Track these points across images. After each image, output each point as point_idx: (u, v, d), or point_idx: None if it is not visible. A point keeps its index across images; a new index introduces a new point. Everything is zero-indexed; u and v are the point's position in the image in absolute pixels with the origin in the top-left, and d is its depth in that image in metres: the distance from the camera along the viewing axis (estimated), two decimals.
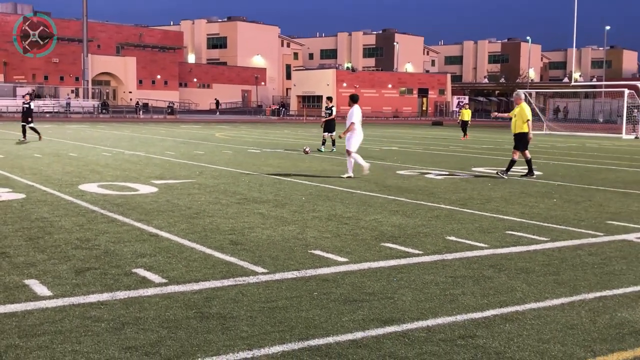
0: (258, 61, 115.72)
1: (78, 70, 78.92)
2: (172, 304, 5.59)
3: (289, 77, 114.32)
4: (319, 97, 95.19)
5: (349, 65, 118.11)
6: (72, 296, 5.74)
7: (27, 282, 6.13)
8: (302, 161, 19.82)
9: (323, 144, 24.60)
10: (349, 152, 15.35)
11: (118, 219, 9.42)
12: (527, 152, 16.16)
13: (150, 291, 5.94)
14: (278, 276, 6.53)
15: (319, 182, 14.24)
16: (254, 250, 7.60)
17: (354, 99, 15.50)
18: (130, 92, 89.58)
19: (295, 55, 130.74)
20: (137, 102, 76.48)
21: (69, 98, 73.02)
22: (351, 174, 15.33)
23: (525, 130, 15.90)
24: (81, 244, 7.80)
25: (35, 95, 70.20)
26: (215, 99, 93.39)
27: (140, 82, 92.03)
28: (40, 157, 19.29)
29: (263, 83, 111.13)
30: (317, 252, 7.59)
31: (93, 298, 5.70)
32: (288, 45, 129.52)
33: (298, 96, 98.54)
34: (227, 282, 6.26)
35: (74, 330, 4.90)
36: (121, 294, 5.82)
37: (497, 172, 16.29)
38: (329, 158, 21.19)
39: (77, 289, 5.96)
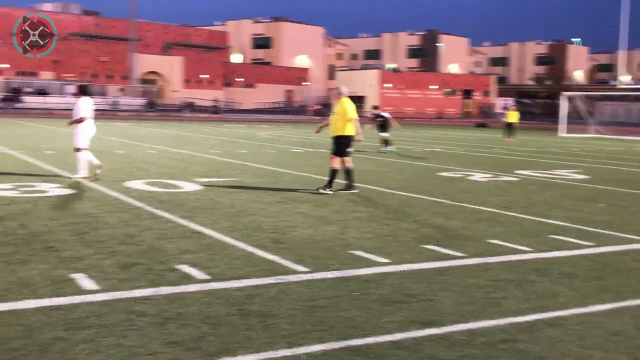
0: (302, 61, 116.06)
1: (126, 69, 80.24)
2: (214, 300, 5.67)
3: (332, 77, 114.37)
4: (362, 98, 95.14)
5: (393, 65, 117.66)
6: (117, 291, 5.86)
7: (73, 276, 6.28)
8: None
9: (386, 144, 24.97)
10: (78, 150, 13.76)
11: (163, 216, 9.57)
12: (348, 159, 12.87)
13: (193, 287, 6.03)
14: (318, 275, 6.57)
15: (360, 183, 14.22)
16: (295, 249, 7.65)
17: (83, 91, 14.19)
18: (176, 91, 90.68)
19: (339, 55, 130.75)
20: (184, 100, 77.42)
21: (117, 96, 74.29)
22: (86, 173, 13.71)
23: (348, 133, 12.68)
24: (126, 239, 7.95)
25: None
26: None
27: (187, 81, 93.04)
28: None
29: (306, 83, 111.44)
30: (358, 252, 7.61)
31: (137, 293, 5.81)
32: (332, 46, 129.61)
33: None
34: (268, 280, 6.32)
35: (119, 324, 5.01)
36: (165, 290, 5.92)
37: (317, 189, 12.65)
38: (371, 159, 21.17)
39: (122, 283, 6.08)
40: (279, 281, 6.31)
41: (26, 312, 5.23)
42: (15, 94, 67.75)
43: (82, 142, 13.78)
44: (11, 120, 42.66)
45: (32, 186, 12.28)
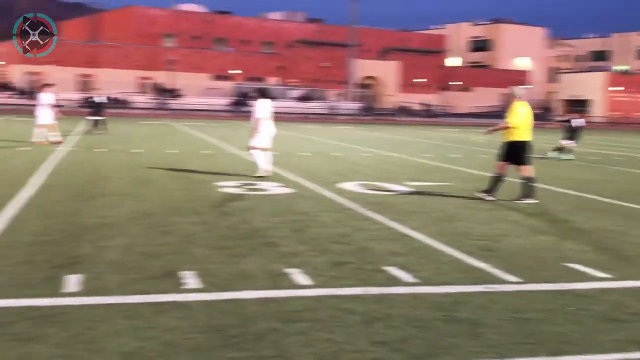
0: (521, 63, 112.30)
1: (345, 74, 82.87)
2: (421, 304, 5.67)
3: (553, 80, 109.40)
4: (586, 102, 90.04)
5: (623, 67, 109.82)
6: (328, 287, 6.07)
7: (288, 270, 6.60)
8: (562, 169, 18.88)
9: (560, 150, 23.34)
10: (254, 149, 14.37)
11: (373, 217, 9.76)
12: (526, 168, 11.83)
13: (400, 289, 6.08)
14: (530, 287, 6.33)
15: (579, 191, 13.46)
16: (505, 258, 7.43)
17: (262, 93, 14.96)
18: (391, 95, 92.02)
19: (561, 57, 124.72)
20: (398, 105, 78.33)
21: (335, 101, 76.96)
22: (262, 173, 14.25)
23: (520, 138, 11.63)
24: (339, 238, 8.22)
25: (305, 98, 75.11)
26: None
27: (402, 85, 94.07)
28: (308, 156, 20.60)
29: (526, 86, 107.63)
30: (574, 265, 7.21)
31: (347, 291, 5.98)
32: (554, 47, 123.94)
33: (564, 100, 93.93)
34: (476, 288, 6.20)
35: (329, 320, 5.19)
36: (373, 290, 6.03)
37: (474, 195, 12.03)
38: (593, 166, 19.95)
39: (333, 281, 6.30)
40: (488, 290, 6.17)
41: (244, 302, 5.60)
42: (243, 98, 72.73)
43: (258, 142, 14.41)
44: (240, 123, 45.82)
45: (255, 185, 13.11)
